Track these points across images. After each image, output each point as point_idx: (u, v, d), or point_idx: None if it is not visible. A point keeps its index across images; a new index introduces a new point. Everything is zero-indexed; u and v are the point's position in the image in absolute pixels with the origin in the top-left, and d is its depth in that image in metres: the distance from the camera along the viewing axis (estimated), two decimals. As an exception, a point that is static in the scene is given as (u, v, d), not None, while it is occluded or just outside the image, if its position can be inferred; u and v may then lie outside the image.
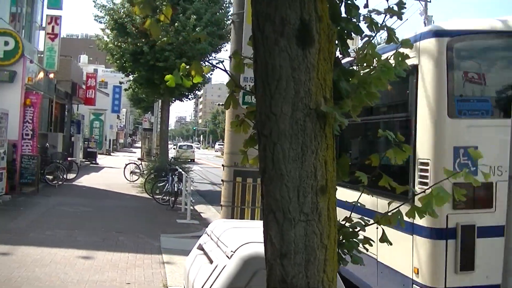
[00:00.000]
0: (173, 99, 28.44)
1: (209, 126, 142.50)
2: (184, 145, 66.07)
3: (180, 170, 20.14)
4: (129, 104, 65.28)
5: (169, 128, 29.36)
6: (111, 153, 62.15)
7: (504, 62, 7.05)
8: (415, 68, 6.83)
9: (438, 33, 6.71)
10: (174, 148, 62.70)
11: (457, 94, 6.67)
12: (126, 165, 28.83)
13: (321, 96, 2.67)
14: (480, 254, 6.59)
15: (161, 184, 20.20)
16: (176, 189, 19.07)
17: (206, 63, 3.41)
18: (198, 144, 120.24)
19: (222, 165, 11.29)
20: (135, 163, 28.71)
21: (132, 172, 27.54)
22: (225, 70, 3.23)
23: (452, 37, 6.70)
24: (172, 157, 26.92)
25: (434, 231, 6.51)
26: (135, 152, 66.12)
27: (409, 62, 4.86)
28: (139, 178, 26.76)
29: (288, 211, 2.63)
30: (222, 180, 11.29)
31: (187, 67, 3.26)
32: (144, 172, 26.33)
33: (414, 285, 6.73)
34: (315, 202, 2.64)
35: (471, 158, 6.43)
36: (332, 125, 2.76)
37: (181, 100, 29.29)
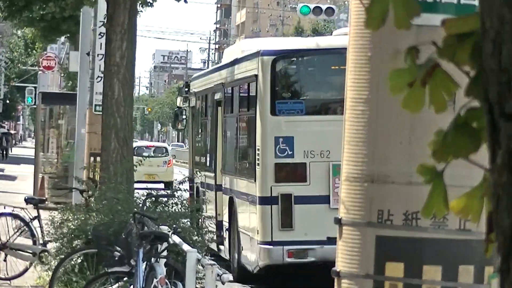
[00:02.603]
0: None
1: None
2: (149, 146, 34.83)
3: (186, 245, 7.63)
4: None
5: (135, 94, 7.65)
6: None
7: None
8: None
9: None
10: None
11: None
12: None
13: None
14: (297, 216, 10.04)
15: None
16: None
17: None
18: None
19: (339, 222, 3.80)
20: (17, 216, 11.10)
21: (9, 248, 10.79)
22: None
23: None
24: (148, 195, 9.83)
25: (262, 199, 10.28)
26: (14, 179, 28.10)
27: None
28: (34, 265, 10.49)
29: None
30: None
31: None
32: (47, 245, 10.63)
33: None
34: None
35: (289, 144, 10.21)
36: None
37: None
